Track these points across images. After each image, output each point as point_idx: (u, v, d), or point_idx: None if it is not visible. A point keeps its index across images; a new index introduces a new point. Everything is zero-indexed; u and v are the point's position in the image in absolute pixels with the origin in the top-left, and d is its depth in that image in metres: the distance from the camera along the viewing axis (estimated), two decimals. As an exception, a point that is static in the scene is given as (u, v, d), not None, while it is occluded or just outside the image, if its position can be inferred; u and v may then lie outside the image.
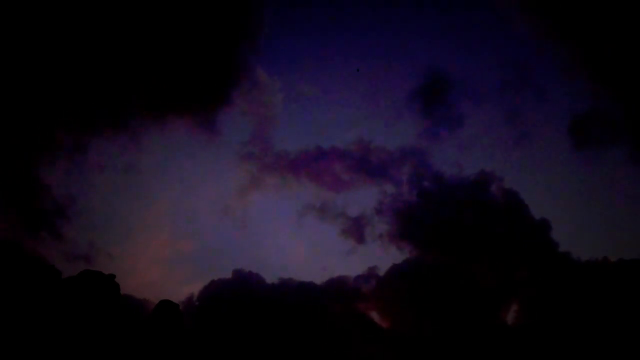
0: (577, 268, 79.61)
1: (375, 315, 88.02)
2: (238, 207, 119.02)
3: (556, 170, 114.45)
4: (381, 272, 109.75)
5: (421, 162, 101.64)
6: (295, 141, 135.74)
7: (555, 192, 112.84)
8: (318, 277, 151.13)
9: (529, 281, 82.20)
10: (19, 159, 72.21)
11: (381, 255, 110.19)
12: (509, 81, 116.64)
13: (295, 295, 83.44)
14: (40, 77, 73.03)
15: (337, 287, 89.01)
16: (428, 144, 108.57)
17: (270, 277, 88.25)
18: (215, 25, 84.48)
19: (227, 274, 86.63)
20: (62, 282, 61.66)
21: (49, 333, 58.62)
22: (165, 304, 64.28)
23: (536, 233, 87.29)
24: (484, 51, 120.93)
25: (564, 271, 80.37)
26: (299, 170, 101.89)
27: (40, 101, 73.04)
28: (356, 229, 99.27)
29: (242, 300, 79.52)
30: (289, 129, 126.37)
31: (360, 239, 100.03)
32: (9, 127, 70.28)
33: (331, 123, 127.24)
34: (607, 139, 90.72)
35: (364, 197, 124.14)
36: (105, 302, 61.95)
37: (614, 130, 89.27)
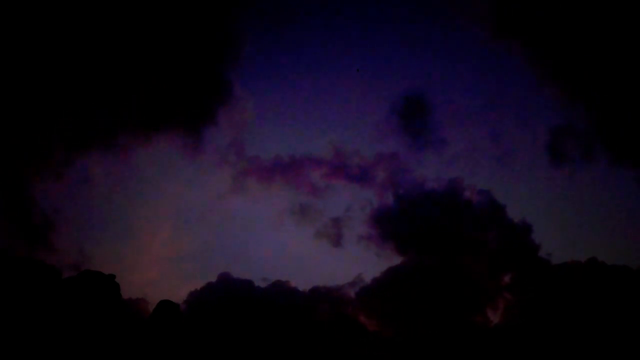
0: (556, 270, 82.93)
1: (363, 319, 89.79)
2: (225, 213, 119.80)
3: (535, 183, 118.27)
4: (366, 276, 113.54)
5: (405, 174, 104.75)
6: (274, 150, 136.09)
7: (535, 202, 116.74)
8: (307, 280, 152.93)
9: (511, 283, 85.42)
10: (12, 175, 72.61)
11: (366, 259, 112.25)
12: (490, 100, 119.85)
13: (283, 299, 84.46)
14: (31, 93, 73.46)
15: (323, 293, 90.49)
16: (412, 159, 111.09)
17: (258, 280, 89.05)
18: (199, 44, 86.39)
19: (214, 278, 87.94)
20: (62, 282, 61.99)
21: (50, 333, 59.00)
22: (165, 304, 65.04)
23: (519, 236, 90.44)
24: (464, 71, 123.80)
25: (544, 273, 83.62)
26: (284, 176, 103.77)
27: (32, 116, 73.57)
28: (345, 234, 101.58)
29: (228, 305, 79.88)
30: (273, 137, 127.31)
31: (350, 244, 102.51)
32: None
33: (312, 135, 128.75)
34: (583, 152, 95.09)
35: (353, 203, 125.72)
36: (106, 302, 62.49)
37: (589, 144, 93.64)
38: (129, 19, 78.73)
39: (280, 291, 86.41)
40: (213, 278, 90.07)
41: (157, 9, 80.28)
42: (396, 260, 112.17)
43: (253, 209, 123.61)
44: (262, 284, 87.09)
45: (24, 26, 71.34)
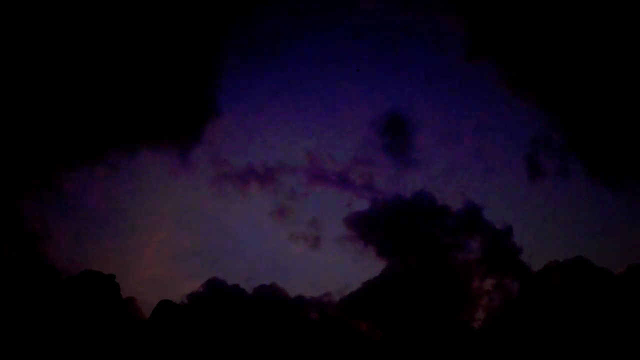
0: (538, 274, 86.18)
1: (350, 324, 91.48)
2: (214, 220, 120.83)
3: (515, 195, 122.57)
4: (352, 280, 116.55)
5: (387, 186, 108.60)
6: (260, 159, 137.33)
7: (515, 211, 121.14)
8: (294, 284, 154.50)
9: (495, 286, 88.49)
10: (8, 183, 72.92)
11: (355, 263, 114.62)
12: (469, 118, 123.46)
13: (270, 304, 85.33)
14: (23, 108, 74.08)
15: (308, 300, 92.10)
16: (394, 174, 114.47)
17: (242, 283, 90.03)
18: (185, 59, 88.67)
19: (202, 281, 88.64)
20: (62, 282, 62.02)
21: (49, 333, 59.07)
22: (165, 304, 65.51)
23: (501, 241, 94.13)
24: (443, 91, 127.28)
25: (526, 275, 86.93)
26: (269, 182, 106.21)
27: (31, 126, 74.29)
28: (336, 239, 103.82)
29: (217, 311, 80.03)
30: (261, 146, 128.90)
31: (342, 249, 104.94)
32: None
33: (294, 144, 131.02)
34: (560, 167, 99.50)
35: (340, 209, 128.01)
36: (105, 302, 62.74)
37: (565, 159, 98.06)
38: (119, 34, 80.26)
39: (267, 295, 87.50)
40: (201, 281, 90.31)
41: (145, 25, 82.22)
42: (380, 264, 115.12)
43: (241, 214, 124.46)
44: (249, 288, 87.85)
45: (14, 42, 72.10)
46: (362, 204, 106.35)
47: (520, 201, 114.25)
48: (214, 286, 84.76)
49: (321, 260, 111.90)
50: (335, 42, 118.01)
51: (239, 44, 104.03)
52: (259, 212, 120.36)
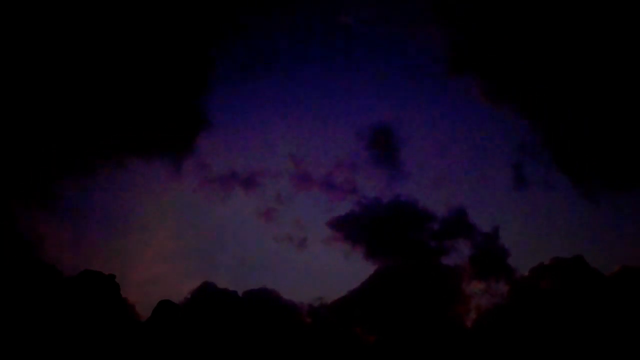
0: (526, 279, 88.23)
1: (343, 326, 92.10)
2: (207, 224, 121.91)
3: (501, 206, 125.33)
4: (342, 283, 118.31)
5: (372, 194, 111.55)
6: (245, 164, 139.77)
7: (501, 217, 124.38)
8: (287, 287, 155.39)
9: (485, 290, 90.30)
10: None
11: (348, 267, 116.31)
12: (454, 131, 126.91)
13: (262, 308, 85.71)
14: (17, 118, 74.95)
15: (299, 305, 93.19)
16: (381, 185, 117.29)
17: (233, 287, 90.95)
18: (173, 77, 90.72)
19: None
20: (62, 282, 61.93)
21: (49, 333, 58.90)
22: (165, 304, 65.54)
23: (489, 245, 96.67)
24: (428, 105, 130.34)
25: (514, 277, 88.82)
26: (257, 186, 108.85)
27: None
28: (332, 243, 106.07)
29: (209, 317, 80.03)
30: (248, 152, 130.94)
31: (336, 253, 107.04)
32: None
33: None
34: (543, 178, 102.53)
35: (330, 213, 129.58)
36: (106, 302, 62.72)
37: (549, 170, 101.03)
38: (113, 45, 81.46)
39: (258, 299, 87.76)
40: (196, 283, 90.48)
41: (135, 37, 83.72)
42: (371, 267, 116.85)
43: (239, 217, 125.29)
44: (240, 291, 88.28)
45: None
46: (355, 208, 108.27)
47: (505, 208, 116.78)
48: (205, 291, 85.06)
49: (315, 263, 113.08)
50: (322, 52, 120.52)
51: (229, 49, 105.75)
52: (253, 215, 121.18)
